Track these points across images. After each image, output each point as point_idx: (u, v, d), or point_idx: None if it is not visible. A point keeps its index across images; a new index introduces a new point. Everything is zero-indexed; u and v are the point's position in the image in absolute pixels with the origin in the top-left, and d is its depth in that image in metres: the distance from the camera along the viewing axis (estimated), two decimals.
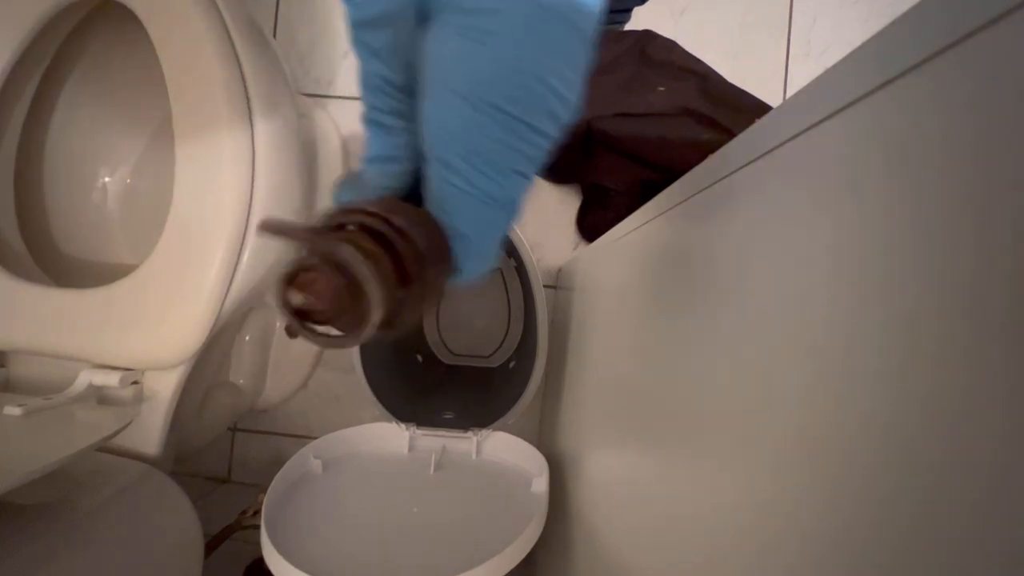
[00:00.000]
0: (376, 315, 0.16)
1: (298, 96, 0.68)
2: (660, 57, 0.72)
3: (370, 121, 0.19)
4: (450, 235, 0.18)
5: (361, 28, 0.17)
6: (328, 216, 0.18)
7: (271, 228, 0.17)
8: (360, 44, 0.17)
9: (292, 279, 0.17)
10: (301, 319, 0.17)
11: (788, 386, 0.15)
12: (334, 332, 0.17)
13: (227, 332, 0.71)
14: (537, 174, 0.18)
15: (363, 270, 0.16)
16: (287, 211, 0.57)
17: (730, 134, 0.65)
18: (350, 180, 0.20)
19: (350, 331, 0.17)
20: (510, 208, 0.18)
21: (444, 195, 0.17)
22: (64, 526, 0.43)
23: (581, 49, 0.16)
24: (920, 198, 0.11)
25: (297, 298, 0.16)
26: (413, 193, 0.20)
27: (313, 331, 0.17)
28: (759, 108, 0.70)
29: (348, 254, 0.16)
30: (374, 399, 0.60)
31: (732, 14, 0.82)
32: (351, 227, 0.17)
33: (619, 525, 0.31)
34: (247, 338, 0.76)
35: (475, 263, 0.19)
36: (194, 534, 0.54)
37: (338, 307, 0.16)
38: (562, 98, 0.16)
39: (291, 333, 0.17)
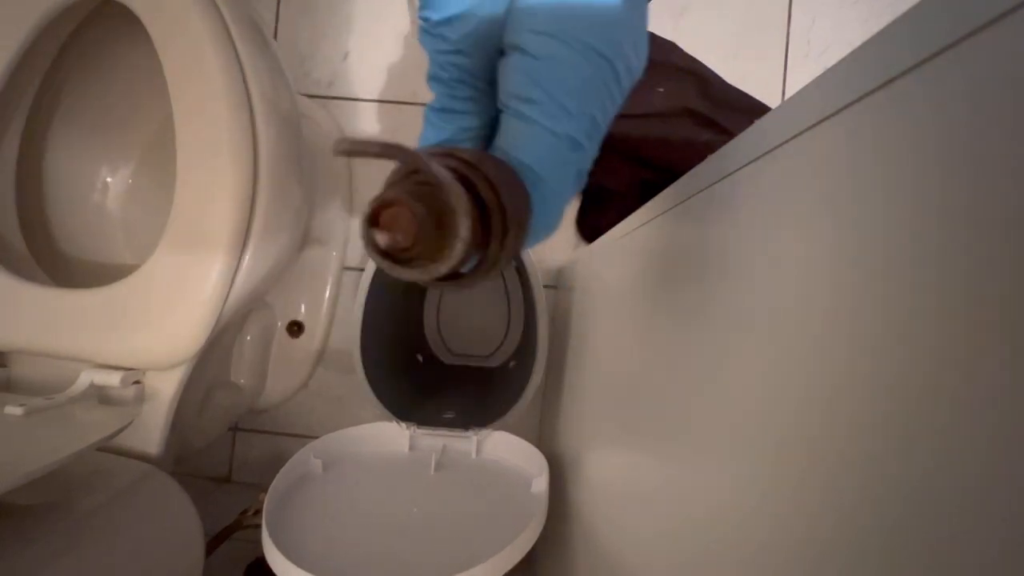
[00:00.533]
0: (462, 241, 0.16)
1: (299, 96, 0.68)
2: (659, 58, 0.72)
3: (440, 110, 0.20)
4: (529, 182, 0.18)
5: (440, 25, 0.18)
6: (414, 155, 0.16)
7: (355, 148, 0.16)
8: (437, 38, 0.19)
9: (376, 219, 0.16)
10: (389, 259, 0.17)
11: (788, 386, 0.15)
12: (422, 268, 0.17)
13: (228, 332, 0.71)
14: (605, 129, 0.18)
15: (454, 189, 0.16)
16: (288, 211, 0.57)
17: (730, 134, 0.65)
18: None
19: (435, 263, 0.16)
20: (584, 156, 0.18)
21: (525, 137, 0.18)
22: (64, 526, 0.43)
23: (642, 31, 0.18)
24: (920, 198, 0.12)
25: (382, 237, 0.16)
26: None
27: (403, 267, 0.17)
28: (759, 108, 0.70)
29: (438, 170, 0.16)
30: (374, 399, 0.60)
31: (732, 14, 0.82)
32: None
33: (619, 525, 0.31)
34: (248, 338, 0.76)
35: (550, 214, 0.19)
36: (195, 534, 0.54)
37: (423, 238, 0.16)
38: (639, 54, 0.18)
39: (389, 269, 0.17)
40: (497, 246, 0.17)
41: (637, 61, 0.18)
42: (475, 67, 0.19)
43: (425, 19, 0.18)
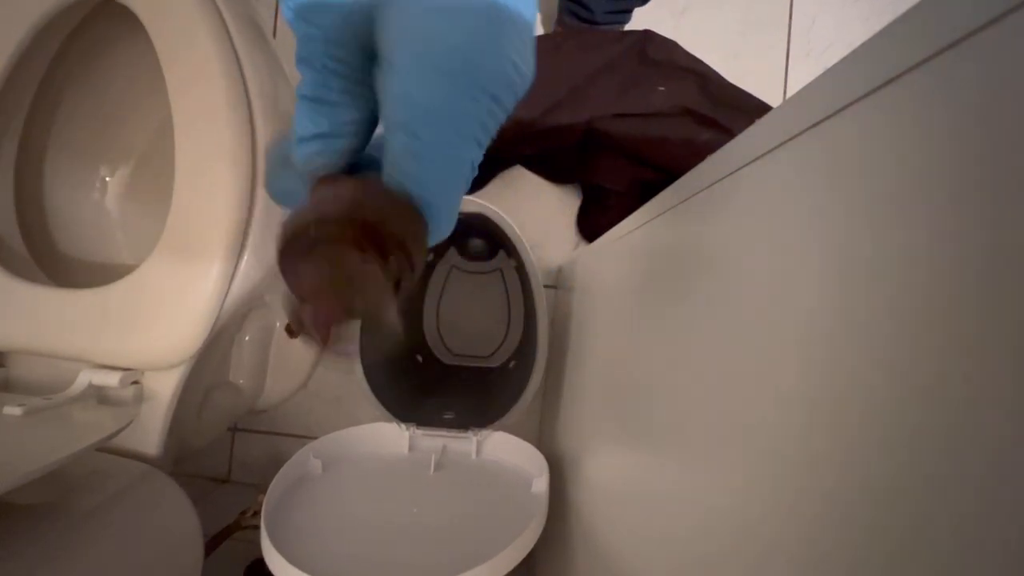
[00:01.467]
0: (391, 308, 0.18)
1: None
2: (660, 57, 0.72)
3: (313, 99, 0.18)
4: (424, 204, 0.18)
5: (310, 11, 0.17)
6: (297, 233, 0.18)
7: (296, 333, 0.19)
8: (308, 24, 0.17)
9: (298, 327, 0.19)
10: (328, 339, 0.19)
11: (788, 386, 0.15)
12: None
13: (227, 332, 0.71)
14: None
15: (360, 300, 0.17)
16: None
17: (730, 134, 0.65)
18: (280, 160, 0.20)
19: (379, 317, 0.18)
20: (469, 176, 0.18)
21: (410, 165, 0.17)
22: (64, 526, 0.43)
23: (531, 28, 0.17)
24: (919, 198, 0.11)
25: (317, 331, 0.18)
26: (350, 167, 0.20)
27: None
28: (759, 108, 0.70)
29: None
30: (374, 399, 0.60)
31: (732, 14, 0.82)
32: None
33: (619, 525, 0.31)
34: (247, 338, 0.76)
35: (440, 230, 0.19)
36: (194, 534, 0.54)
37: (354, 313, 0.18)
38: (521, 74, 0.17)
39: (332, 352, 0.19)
40: (407, 269, 0.18)
41: (526, 66, 0.17)
42: (349, 58, 0.18)
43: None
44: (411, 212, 0.18)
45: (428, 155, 0.17)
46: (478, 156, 0.18)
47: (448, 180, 0.18)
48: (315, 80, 0.18)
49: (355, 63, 0.18)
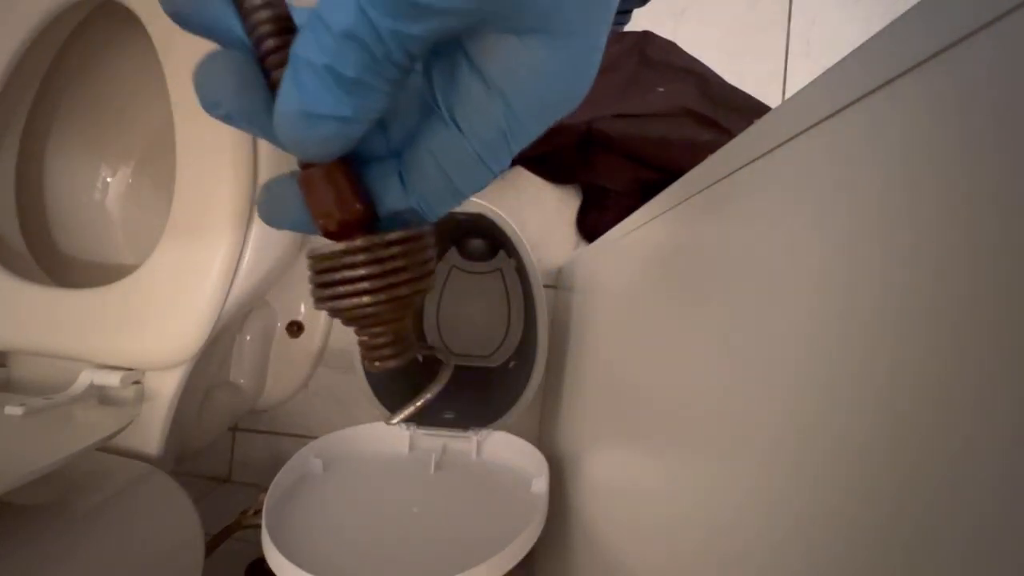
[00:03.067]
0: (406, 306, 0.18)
1: None
2: (659, 58, 0.72)
3: (354, 80, 0.14)
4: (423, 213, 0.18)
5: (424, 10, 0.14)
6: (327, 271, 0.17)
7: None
8: (405, 19, 0.14)
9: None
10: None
11: (788, 386, 0.15)
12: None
13: (228, 332, 0.71)
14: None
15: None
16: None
17: (730, 134, 0.65)
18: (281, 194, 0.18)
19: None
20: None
21: (461, 174, 0.17)
22: (64, 526, 0.43)
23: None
24: (919, 198, 0.12)
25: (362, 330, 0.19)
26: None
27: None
28: (758, 108, 0.71)
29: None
30: (374, 399, 0.60)
31: (732, 14, 0.82)
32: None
33: (619, 525, 0.31)
34: (248, 338, 0.76)
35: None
36: (194, 534, 0.54)
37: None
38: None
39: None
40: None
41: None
42: (419, 53, 0.15)
43: None
44: (425, 251, 0.18)
45: (488, 166, 0.17)
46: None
47: (479, 182, 0.18)
48: (365, 64, 0.14)
49: (418, 58, 0.15)
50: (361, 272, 0.17)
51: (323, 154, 0.16)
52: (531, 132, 0.16)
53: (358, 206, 0.17)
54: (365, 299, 0.17)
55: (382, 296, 0.17)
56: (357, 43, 0.14)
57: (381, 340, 0.18)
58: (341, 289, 0.17)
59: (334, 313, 0.18)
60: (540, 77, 0.15)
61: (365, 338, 0.18)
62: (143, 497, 0.52)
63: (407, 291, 0.17)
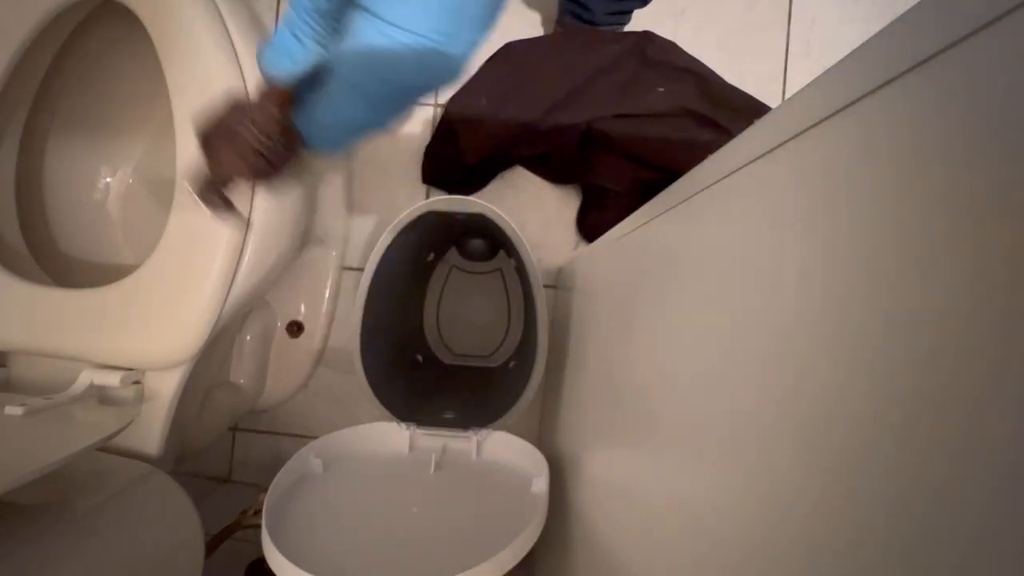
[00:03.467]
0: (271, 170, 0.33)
1: None
2: (659, 58, 0.72)
3: (293, 36, 0.29)
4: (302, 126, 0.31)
5: None
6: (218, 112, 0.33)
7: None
8: None
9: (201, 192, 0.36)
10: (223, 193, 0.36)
11: (787, 386, 0.15)
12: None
13: (228, 332, 0.71)
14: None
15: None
16: (287, 209, 0.57)
17: (730, 134, 0.65)
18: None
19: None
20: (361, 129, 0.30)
21: (335, 106, 0.28)
22: (64, 526, 0.43)
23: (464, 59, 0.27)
24: (918, 197, 0.12)
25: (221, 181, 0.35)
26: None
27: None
28: (758, 108, 0.70)
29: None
30: (374, 399, 0.60)
31: (732, 14, 0.82)
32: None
33: (619, 525, 0.31)
34: (248, 338, 0.76)
35: (318, 146, 0.31)
36: (194, 534, 0.54)
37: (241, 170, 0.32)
38: (416, 99, 0.29)
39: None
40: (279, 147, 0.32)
41: (421, 96, 0.29)
42: (329, 8, 0.28)
43: None
44: (293, 139, 0.31)
45: (359, 109, 0.28)
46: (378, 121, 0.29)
47: (356, 128, 0.29)
48: (300, 25, 0.28)
49: (332, 16, 0.28)
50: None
51: (280, 82, 0.32)
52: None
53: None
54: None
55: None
56: (298, 8, 0.29)
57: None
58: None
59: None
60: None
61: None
62: (143, 497, 0.52)
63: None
